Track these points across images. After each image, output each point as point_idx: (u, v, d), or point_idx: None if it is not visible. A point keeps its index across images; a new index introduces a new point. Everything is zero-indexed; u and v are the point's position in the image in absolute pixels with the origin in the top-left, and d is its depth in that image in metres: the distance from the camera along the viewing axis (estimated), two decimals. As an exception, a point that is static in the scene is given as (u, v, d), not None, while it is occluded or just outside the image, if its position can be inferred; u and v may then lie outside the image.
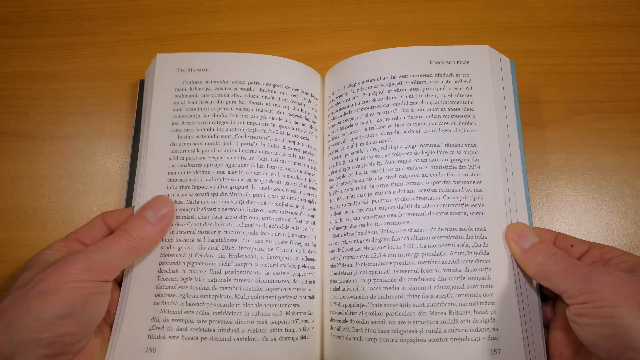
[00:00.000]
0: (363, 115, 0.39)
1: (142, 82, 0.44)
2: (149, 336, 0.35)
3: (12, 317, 0.29)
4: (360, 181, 0.38)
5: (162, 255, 0.37)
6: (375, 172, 0.37)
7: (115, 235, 0.34)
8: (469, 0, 0.49)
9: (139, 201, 0.38)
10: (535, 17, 0.48)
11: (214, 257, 0.36)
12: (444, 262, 0.35)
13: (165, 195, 0.38)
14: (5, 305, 0.30)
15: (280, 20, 0.50)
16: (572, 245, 0.35)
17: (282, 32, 0.50)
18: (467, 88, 0.39)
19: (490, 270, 0.35)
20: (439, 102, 0.39)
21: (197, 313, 0.35)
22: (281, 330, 0.35)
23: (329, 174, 0.40)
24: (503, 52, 0.41)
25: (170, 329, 0.35)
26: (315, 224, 0.39)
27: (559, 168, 0.44)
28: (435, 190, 0.36)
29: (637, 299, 0.27)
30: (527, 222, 0.37)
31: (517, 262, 0.35)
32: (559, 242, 0.36)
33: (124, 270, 0.37)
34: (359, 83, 0.40)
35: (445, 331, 0.34)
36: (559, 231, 0.37)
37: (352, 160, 0.39)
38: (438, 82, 0.39)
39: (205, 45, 0.49)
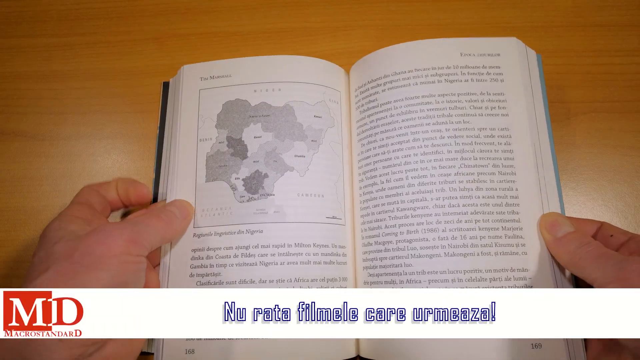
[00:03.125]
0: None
1: (165, 84, 0.45)
2: None
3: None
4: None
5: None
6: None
7: (152, 214, 0.34)
8: (469, 0, 0.49)
9: (169, 193, 0.39)
10: (535, 17, 0.48)
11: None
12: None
13: (185, 200, 0.39)
14: (51, 278, 0.28)
15: (280, 20, 0.50)
16: (611, 236, 0.35)
17: (282, 32, 0.50)
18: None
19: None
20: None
21: None
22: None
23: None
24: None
25: None
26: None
27: (560, 168, 0.43)
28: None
29: None
30: (559, 211, 0.37)
31: (550, 252, 0.35)
32: (602, 231, 0.36)
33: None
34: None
35: None
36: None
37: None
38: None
39: (205, 45, 0.49)
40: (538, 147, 0.38)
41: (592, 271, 0.30)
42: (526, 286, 0.34)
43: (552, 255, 0.35)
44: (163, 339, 0.34)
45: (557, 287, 0.34)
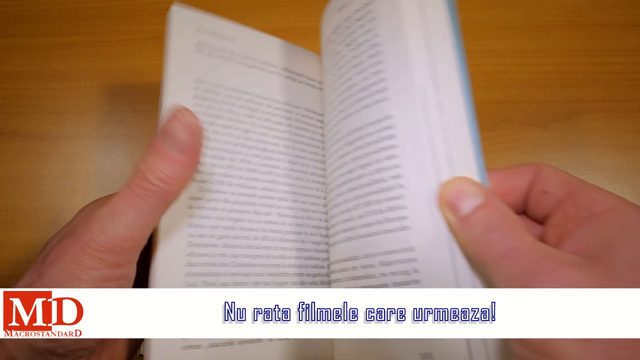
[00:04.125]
0: None
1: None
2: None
3: None
4: None
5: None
6: None
7: (129, 188, 0.23)
8: (469, 0, 0.49)
9: None
10: (536, 16, 0.48)
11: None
12: None
13: (188, 110, 0.24)
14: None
15: (280, 20, 0.50)
16: (544, 192, 0.25)
17: (282, 31, 0.49)
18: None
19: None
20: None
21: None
22: None
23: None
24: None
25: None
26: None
27: (560, 168, 0.43)
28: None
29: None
30: (476, 176, 0.24)
31: (455, 239, 0.24)
32: (537, 185, 0.26)
33: None
34: None
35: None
36: None
37: None
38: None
39: (205, 44, 0.49)
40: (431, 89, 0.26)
41: (491, 275, 0.22)
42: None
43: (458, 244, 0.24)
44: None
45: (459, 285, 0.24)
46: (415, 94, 0.26)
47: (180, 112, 0.24)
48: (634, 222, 0.21)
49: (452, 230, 0.24)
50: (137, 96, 0.47)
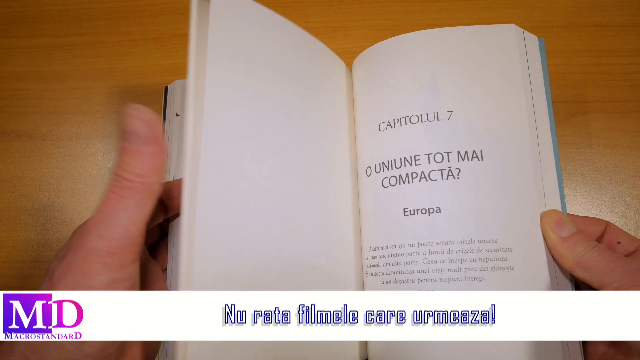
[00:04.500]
0: None
1: (166, 89, 0.43)
2: None
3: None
4: None
5: None
6: None
7: (112, 192, 0.25)
8: (469, 0, 0.49)
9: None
10: (535, 17, 0.48)
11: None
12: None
13: (139, 105, 0.26)
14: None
15: (280, 20, 0.50)
16: (618, 243, 0.33)
17: (282, 32, 0.50)
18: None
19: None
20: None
21: None
22: None
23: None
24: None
25: None
26: None
27: (560, 168, 0.43)
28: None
29: None
30: (559, 207, 0.34)
31: (551, 252, 0.32)
32: (608, 236, 0.34)
33: None
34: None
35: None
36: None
37: None
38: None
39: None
40: (536, 143, 0.35)
41: (603, 276, 0.29)
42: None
43: (552, 256, 0.33)
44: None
45: (558, 289, 0.33)
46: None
47: (132, 108, 0.25)
48: None
49: (552, 245, 0.32)
50: (138, 97, 0.47)
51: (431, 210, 0.34)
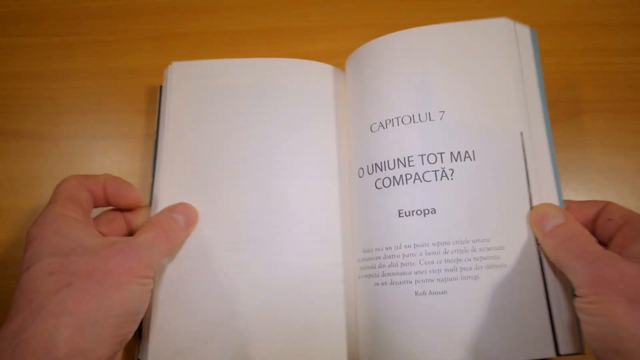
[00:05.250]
0: None
1: (162, 88, 0.43)
2: None
3: (91, 310, 0.27)
4: None
5: None
6: None
7: (154, 232, 0.32)
8: (469, 0, 0.49)
9: (159, 199, 0.38)
10: (535, 16, 0.48)
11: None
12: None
13: (189, 204, 0.37)
14: (76, 294, 0.27)
15: (280, 20, 0.50)
16: (609, 219, 0.32)
17: (281, 31, 0.49)
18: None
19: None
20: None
21: None
22: None
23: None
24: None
25: None
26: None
27: (560, 168, 0.43)
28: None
29: (630, 294, 0.25)
30: (555, 202, 0.34)
31: (542, 249, 0.32)
32: (603, 214, 0.32)
33: None
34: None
35: None
36: None
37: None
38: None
39: (204, 44, 0.49)
40: (529, 139, 0.34)
41: (569, 272, 0.28)
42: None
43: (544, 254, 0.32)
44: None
45: (548, 286, 0.32)
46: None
47: (185, 203, 0.37)
48: None
49: (540, 242, 0.32)
50: (137, 96, 0.47)
51: (426, 211, 0.34)
